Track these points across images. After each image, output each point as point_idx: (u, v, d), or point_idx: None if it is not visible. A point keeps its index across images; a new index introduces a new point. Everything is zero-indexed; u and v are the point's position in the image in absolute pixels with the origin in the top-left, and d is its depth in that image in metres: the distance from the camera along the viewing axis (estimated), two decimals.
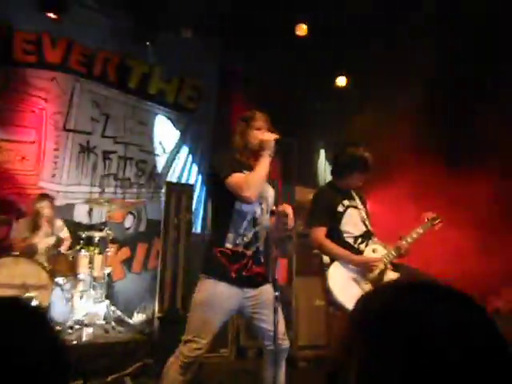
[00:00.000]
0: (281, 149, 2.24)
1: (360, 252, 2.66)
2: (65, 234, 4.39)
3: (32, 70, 4.93)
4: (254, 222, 2.25)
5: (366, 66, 4.92)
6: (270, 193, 2.38)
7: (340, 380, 0.60)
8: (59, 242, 4.27)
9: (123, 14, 5.18)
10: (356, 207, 2.77)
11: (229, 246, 2.20)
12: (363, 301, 0.65)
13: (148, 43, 5.54)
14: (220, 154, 2.43)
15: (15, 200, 4.61)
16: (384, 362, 0.55)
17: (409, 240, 2.66)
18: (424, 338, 0.55)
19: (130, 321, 4.47)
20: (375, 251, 2.66)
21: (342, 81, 5.74)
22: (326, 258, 2.64)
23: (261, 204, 2.28)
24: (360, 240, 2.68)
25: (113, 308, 4.49)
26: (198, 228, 5.45)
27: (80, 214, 5.09)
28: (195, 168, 5.92)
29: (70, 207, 5.08)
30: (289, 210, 2.29)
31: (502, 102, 4.08)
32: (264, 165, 2.19)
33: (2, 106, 4.77)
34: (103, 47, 5.30)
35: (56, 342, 0.71)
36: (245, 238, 2.22)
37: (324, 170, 6.38)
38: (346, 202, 2.73)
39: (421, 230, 2.70)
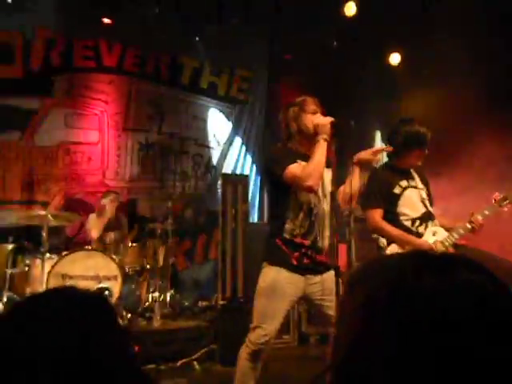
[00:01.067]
0: (337, 132, 2.19)
1: (419, 235, 2.53)
2: (129, 227, 4.64)
3: (92, 75, 5.23)
4: (310, 211, 2.23)
5: (416, 40, 4.66)
6: (326, 178, 2.32)
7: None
8: (125, 235, 4.52)
9: (170, 12, 5.31)
10: (415, 187, 2.63)
11: (286, 236, 2.21)
12: (369, 284, 0.54)
13: (197, 38, 5.65)
14: (274, 148, 2.42)
15: (84, 198, 4.95)
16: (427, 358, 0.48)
17: (480, 217, 2.51)
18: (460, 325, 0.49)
19: (195, 308, 4.65)
20: (435, 234, 2.54)
21: (394, 58, 5.49)
22: (382, 241, 2.56)
23: (316, 192, 2.24)
24: (418, 222, 2.56)
25: (178, 296, 4.70)
26: (254, 218, 5.53)
27: (143, 208, 5.35)
28: (249, 158, 5.98)
29: (134, 202, 5.36)
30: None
31: None
32: (321, 150, 2.14)
33: (68, 110, 5.11)
34: (154, 47, 5.48)
35: (113, 321, 0.75)
36: (302, 229, 2.21)
37: (381, 153, 6.17)
38: (403, 183, 2.61)
39: (487, 212, 2.53)
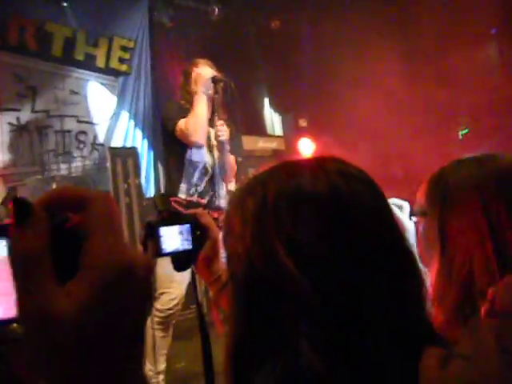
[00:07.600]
0: (220, 88, 2.23)
1: None
2: (7, 219, 4.16)
3: None
4: (206, 170, 2.23)
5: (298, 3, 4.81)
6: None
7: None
8: None
9: None
10: None
11: (182, 196, 2.20)
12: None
13: (66, 4, 5.12)
14: (167, 104, 2.44)
15: None
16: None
17: None
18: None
19: None
20: None
21: (277, 24, 5.61)
22: None
23: (211, 151, 2.25)
24: None
25: None
26: (151, 192, 5.33)
27: (24, 196, 4.82)
28: (139, 132, 5.70)
29: (12, 190, 4.78)
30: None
31: None
32: (200, 104, 2.15)
33: None
34: (16, 14, 4.84)
35: None
36: (198, 188, 2.22)
37: (270, 118, 6.35)
38: None
39: None
